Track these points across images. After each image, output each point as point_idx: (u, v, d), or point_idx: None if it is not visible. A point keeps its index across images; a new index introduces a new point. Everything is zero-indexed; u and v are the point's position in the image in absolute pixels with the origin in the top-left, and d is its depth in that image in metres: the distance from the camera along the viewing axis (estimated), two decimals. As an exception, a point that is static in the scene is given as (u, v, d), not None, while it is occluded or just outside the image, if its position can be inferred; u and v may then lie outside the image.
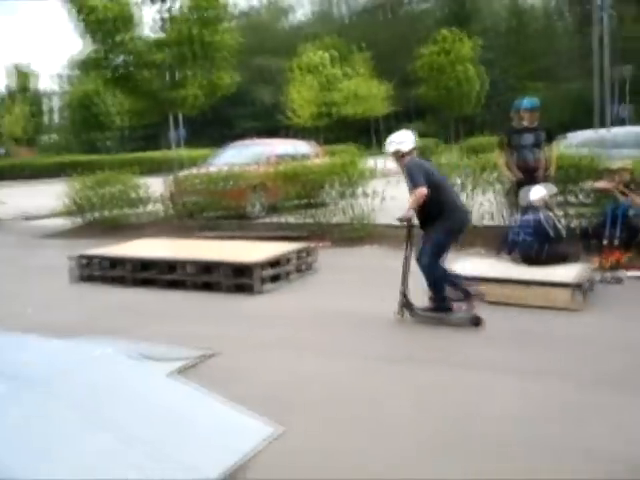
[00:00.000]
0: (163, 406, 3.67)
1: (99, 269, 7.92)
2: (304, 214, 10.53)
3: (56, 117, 54.30)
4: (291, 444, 3.38)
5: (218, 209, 11.72)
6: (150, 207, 12.50)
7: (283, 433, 3.48)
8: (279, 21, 65.16)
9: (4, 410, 3.33)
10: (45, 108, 49.81)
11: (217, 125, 51.24)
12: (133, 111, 23.95)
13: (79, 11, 11.34)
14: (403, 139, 5.58)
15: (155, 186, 12.45)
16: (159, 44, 12.05)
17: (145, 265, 7.56)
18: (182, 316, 6.19)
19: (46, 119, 51.21)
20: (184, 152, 19.78)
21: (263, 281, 6.88)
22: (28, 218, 14.90)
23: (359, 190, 10.01)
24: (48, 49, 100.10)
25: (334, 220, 10.21)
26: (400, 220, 5.36)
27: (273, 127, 43.11)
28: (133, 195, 12.41)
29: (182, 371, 4.40)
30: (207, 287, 7.10)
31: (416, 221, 5.47)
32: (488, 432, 3.44)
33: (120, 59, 11.83)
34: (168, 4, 12.76)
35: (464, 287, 5.46)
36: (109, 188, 12.36)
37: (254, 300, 6.66)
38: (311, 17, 64.27)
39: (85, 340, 4.88)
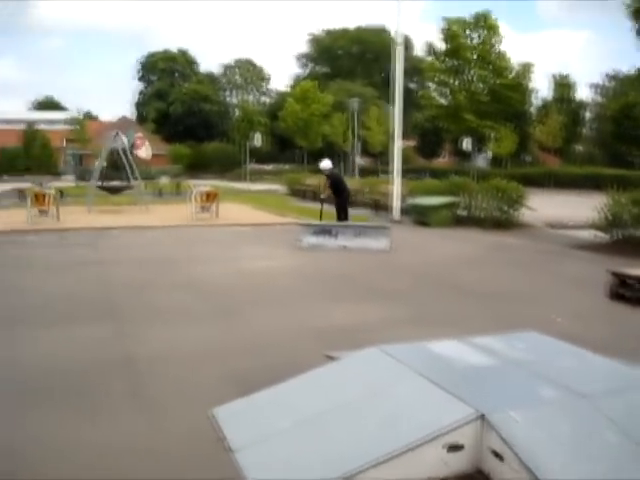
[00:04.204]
0: None
1: (631, 290, 7.60)
2: None
3: (586, 128, 53.97)
4: None
5: None
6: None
7: None
8: None
9: (558, 418, 3.48)
10: (578, 118, 49.92)
11: None
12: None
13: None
14: None
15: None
16: None
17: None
18: None
19: (577, 130, 51.31)
20: None
21: None
22: (554, 226, 15.34)
23: None
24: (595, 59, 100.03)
25: None
26: None
27: None
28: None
29: None
30: None
31: None
32: None
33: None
34: None
35: None
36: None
37: None
38: None
39: (625, 364, 4.73)
